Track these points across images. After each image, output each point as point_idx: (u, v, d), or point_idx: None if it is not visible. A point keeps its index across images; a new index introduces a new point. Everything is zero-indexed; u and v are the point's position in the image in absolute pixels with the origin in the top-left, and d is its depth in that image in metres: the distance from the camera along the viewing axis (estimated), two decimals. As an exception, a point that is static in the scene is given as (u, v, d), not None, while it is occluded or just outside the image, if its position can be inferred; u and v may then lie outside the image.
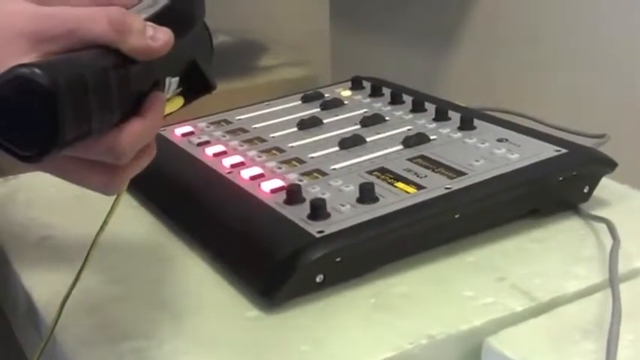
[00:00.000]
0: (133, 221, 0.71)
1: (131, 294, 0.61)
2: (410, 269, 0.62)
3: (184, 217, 0.68)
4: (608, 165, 0.69)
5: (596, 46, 1.09)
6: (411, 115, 0.80)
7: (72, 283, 0.53)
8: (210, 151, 0.75)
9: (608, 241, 0.63)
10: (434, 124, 0.77)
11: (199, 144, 0.78)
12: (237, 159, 0.73)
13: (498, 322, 0.55)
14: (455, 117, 0.78)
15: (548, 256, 0.63)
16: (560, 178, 0.67)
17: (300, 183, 0.67)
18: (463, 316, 0.56)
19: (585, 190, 0.69)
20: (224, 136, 0.79)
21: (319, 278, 0.58)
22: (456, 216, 0.63)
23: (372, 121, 0.79)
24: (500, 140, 0.72)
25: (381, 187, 0.64)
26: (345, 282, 0.60)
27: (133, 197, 0.75)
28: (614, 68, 1.07)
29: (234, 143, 0.77)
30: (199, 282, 0.62)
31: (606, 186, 0.72)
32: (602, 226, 0.66)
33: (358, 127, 0.78)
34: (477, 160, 0.68)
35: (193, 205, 0.68)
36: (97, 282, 0.62)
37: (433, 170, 0.67)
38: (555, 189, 0.67)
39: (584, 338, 0.52)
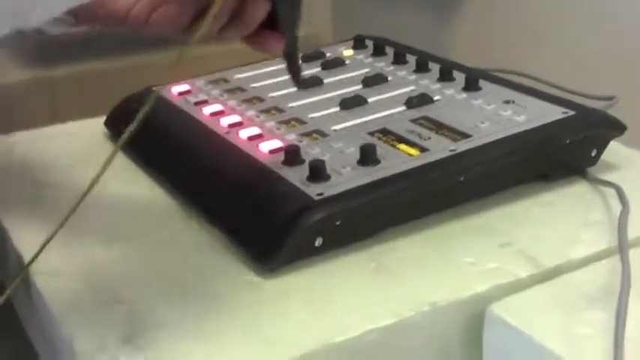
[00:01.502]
0: (130, 182, 0.69)
1: (126, 256, 0.59)
2: (412, 233, 0.60)
3: (181, 178, 0.66)
4: (617, 128, 0.67)
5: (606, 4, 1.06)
6: (414, 76, 0.78)
7: (56, 228, 0.51)
8: (207, 110, 0.73)
9: (616, 207, 0.62)
10: (438, 85, 0.75)
11: (197, 103, 0.75)
12: (235, 119, 0.71)
13: (502, 288, 0.53)
14: (460, 77, 0.76)
15: (555, 221, 0.61)
16: (568, 141, 0.65)
17: (299, 144, 0.65)
18: (466, 283, 0.54)
19: (593, 154, 0.67)
20: (222, 95, 0.77)
21: (318, 242, 0.56)
22: (461, 179, 0.61)
23: (374, 81, 0.76)
24: (506, 102, 0.70)
25: (382, 148, 0.62)
26: (345, 246, 0.58)
27: (130, 157, 0.73)
28: (619, 26, 1.04)
29: (232, 102, 0.75)
30: (195, 245, 0.60)
31: (614, 149, 0.69)
32: (610, 191, 0.64)
33: (360, 87, 0.76)
34: (482, 122, 0.66)
35: (190, 167, 0.66)
36: (91, 242, 0.60)
37: (436, 132, 0.65)
38: (563, 152, 0.65)
39: (590, 306, 0.51)
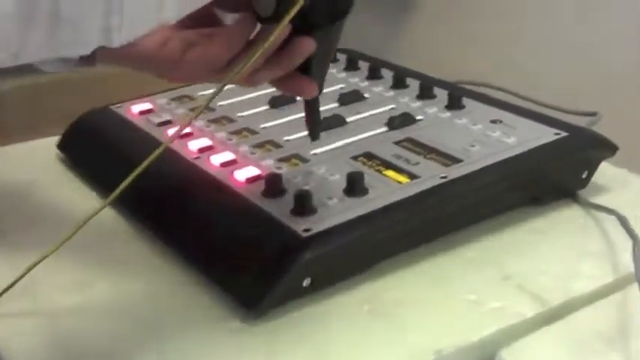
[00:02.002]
0: (96, 217, 0.63)
1: (91, 304, 0.53)
2: (403, 268, 0.56)
3: (148, 211, 0.61)
4: (609, 149, 0.64)
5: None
6: (392, 92, 0.74)
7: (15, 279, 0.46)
8: (172, 131, 0.68)
9: (613, 234, 0.59)
10: (418, 103, 0.71)
11: (160, 124, 0.70)
12: (204, 142, 0.65)
13: (509, 331, 0.50)
14: (440, 94, 0.72)
15: (551, 251, 0.58)
16: (562, 165, 0.61)
17: (278, 171, 0.60)
18: (470, 325, 0.50)
19: (584, 176, 0.64)
20: (188, 115, 0.71)
21: (306, 282, 0.52)
22: (454, 208, 0.57)
23: (350, 98, 0.72)
24: (493, 122, 0.66)
25: (369, 175, 0.58)
26: (333, 285, 0.53)
27: (88, 184, 0.67)
28: (587, 34, 1.02)
29: (200, 123, 0.69)
30: (169, 288, 0.54)
31: (602, 170, 0.66)
32: (604, 216, 0.61)
33: (336, 105, 0.71)
34: (472, 145, 0.62)
35: (157, 198, 0.61)
36: (51, 288, 0.54)
37: (424, 156, 0.61)
38: (555, 175, 0.62)
39: (607, 348, 0.47)
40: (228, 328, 0.50)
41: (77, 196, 0.66)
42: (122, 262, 0.57)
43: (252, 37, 0.48)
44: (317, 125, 0.56)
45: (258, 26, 0.48)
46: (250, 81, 0.48)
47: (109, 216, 0.62)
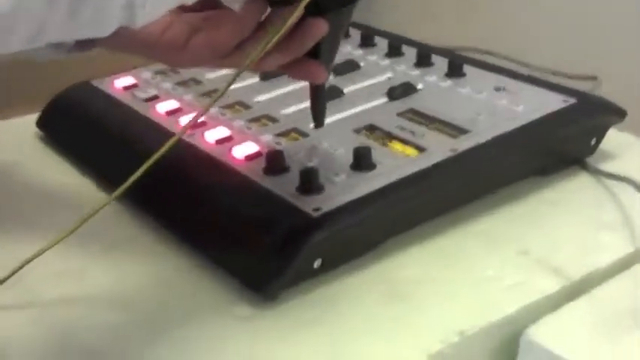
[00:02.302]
0: (82, 198, 0.60)
1: (89, 294, 0.50)
2: (415, 245, 0.53)
3: (145, 195, 0.57)
4: (618, 114, 0.62)
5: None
6: (387, 61, 0.70)
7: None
8: (161, 107, 0.64)
9: (627, 202, 0.57)
10: (417, 71, 0.68)
11: (147, 99, 0.66)
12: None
13: (533, 308, 0.47)
14: (438, 62, 0.69)
15: (566, 222, 0.56)
16: (573, 133, 0.59)
17: (279, 147, 0.57)
18: (492, 303, 0.48)
19: (592, 143, 0.62)
20: (175, 89, 0.68)
21: (317, 263, 0.49)
22: (465, 181, 0.55)
23: (345, 68, 0.69)
24: (497, 89, 0.63)
25: (375, 149, 0.55)
26: (344, 265, 0.51)
27: (74, 165, 0.64)
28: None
29: (189, 97, 0.66)
30: (172, 275, 0.51)
31: (607, 135, 0.64)
32: (614, 183, 0.59)
33: (331, 76, 0.68)
34: (479, 114, 0.59)
35: (153, 180, 0.57)
36: (45, 278, 0.50)
37: (428, 127, 0.58)
38: (565, 144, 0.60)
39: (635, 324, 0.45)
40: (237, 315, 0.47)
41: (60, 175, 0.63)
42: (120, 249, 0.53)
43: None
44: (322, 111, 0.54)
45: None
46: (260, 66, 0.46)
47: (104, 201, 0.59)
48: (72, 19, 0.35)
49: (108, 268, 0.52)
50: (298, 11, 0.42)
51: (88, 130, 0.66)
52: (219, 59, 0.45)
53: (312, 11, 0.44)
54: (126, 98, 0.67)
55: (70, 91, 0.69)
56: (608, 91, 0.69)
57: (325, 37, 0.46)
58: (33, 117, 0.70)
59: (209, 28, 0.44)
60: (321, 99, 0.53)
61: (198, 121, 0.60)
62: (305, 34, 0.45)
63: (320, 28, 0.45)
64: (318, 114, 0.53)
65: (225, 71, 0.70)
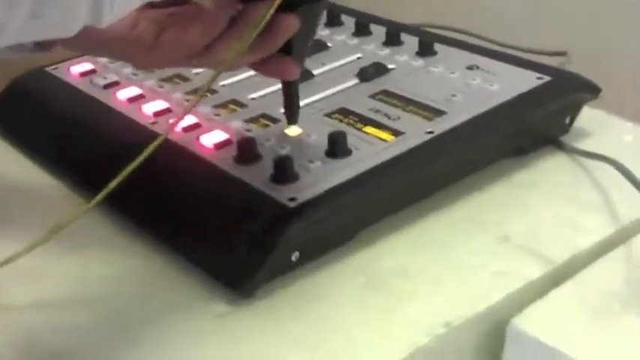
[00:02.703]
0: (43, 196, 0.57)
1: (55, 295, 0.47)
2: (394, 233, 0.51)
3: (104, 186, 0.54)
4: (593, 91, 0.61)
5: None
6: (356, 40, 0.68)
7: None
8: (122, 94, 0.61)
9: (605, 181, 0.56)
10: (386, 50, 0.66)
11: (106, 86, 0.63)
12: (160, 105, 0.59)
13: (518, 295, 0.46)
14: (407, 40, 0.67)
15: (545, 204, 0.54)
16: (550, 111, 0.58)
17: (249, 134, 0.54)
18: (476, 292, 0.46)
19: (567, 121, 0.61)
20: (135, 75, 0.65)
21: (295, 256, 0.47)
22: (444, 165, 0.53)
23: (313, 49, 0.66)
24: (470, 68, 0.62)
25: (350, 134, 0.53)
26: (322, 256, 0.49)
27: (30, 158, 0.60)
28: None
29: (151, 83, 0.63)
30: (142, 273, 0.49)
31: (580, 113, 0.63)
32: (591, 162, 0.58)
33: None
34: (454, 95, 0.58)
35: (114, 171, 0.54)
36: (6, 279, 0.48)
37: (404, 109, 0.57)
38: (542, 123, 0.59)
39: (625, 310, 0.44)
40: (213, 313, 0.45)
41: (17, 169, 0.60)
42: (87, 247, 0.51)
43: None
44: (296, 108, 0.52)
45: None
46: (231, 65, 0.43)
47: (66, 195, 0.56)
48: (34, 20, 0.33)
49: (76, 268, 0.49)
50: (276, 5, 0.40)
51: (44, 119, 0.62)
52: (190, 59, 0.43)
53: (284, 6, 0.42)
54: (84, 85, 0.64)
55: (24, 79, 0.66)
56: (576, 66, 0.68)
57: (297, 33, 0.44)
58: (-15, 107, 0.66)
59: (177, 27, 0.41)
60: (294, 95, 0.52)
61: (159, 109, 0.58)
62: (276, 30, 0.43)
63: (291, 23, 0.43)
64: (292, 111, 0.52)
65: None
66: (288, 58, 0.47)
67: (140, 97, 0.61)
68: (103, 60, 0.67)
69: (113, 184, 0.40)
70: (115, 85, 0.63)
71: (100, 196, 0.41)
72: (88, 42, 0.40)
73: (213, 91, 0.61)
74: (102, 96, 0.62)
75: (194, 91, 0.61)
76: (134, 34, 0.41)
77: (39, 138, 0.62)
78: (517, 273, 0.48)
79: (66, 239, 0.51)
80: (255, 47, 0.42)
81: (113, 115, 0.59)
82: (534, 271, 0.48)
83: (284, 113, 0.53)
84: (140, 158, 0.40)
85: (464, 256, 0.49)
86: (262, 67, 0.47)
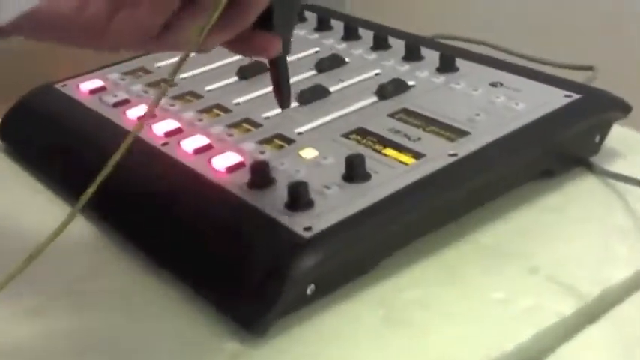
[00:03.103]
0: (45, 211, 0.54)
1: (52, 335, 0.45)
2: (414, 262, 0.49)
3: (115, 214, 0.52)
4: (623, 110, 0.58)
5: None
6: (374, 55, 0.66)
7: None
8: (132, 113, 0.59)
9: (638, 205, 0.53)
10: (406, 66, 0.63)
11: (116, 104, 0.61)
12: (171, 124, 0.57)
13: (548, 334, 0.43)
14: (428, 55, 0.64)
15: (575, 232, 0.51)
16: (579, 131, 0.55)
17: (263, 156, 0.52)
18: (503, 330, 0.43)
19: (596, 141, 0.58)
20: (146, 92, 0.62)
21: (310, 290, 0.44)
22: (468, 190, 0.50)
23: (329, 64, 0.64)
24: (493, 85, 0.59)
25: (368, 157, 0.50)
26: (338, 289, 0.46)
27: (41, 181, 0.58)
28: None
29: (162, 101, 0.60)
30: (149, 308, 0.46)
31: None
32: (624, 185, 0.55)
33: (314, 72, 0.63)
34: (477, 114, 0.55)
35: (125, 197, 0.52)
36: (8, 313, 0.45)
37: (425, 129, 0.54)
38: (571, 144, 0.56)
39: (664, 350, 0.41)
40: (226, 353, 0.43)
41: (26, 193, 0.58)
42: (91, 279, 0.48)
43: None
44: (287, 91, 0.48)
45: None
46: (201, 47, 0.39)
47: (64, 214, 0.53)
48: None
49: (74, 304, 0.47)
50: None
51: (52, 140, 0.60)
52: (148, 42, 0.39)
53: None
54: (93, 103, 0.61)
55: (32, 96, 0.64)
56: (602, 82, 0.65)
57: (276, 4, 0.40)
58: (-8, 125, 0.64)
59: (129, 5, 0.37)
60: (283, 76, 0.47)
61: (170, 129, 0.56)
62: (246, 3, 0.39)
63: None
64: (282, 94, 0.48)
65: (199, 70, 0.65)
66: (266, 34, 0.42)
67: (151, 116, 0.58)
68: (114, 76, 0.65)
69: (90, 191, 0.37)
70: (124, 103, 0.61)
71: (78, 205, 0.38)
72: (32, 28, 0.37)
73: (226, 110, 0.58)
74: (111, 114, 0.59)
75: (208, 110, 0.59)
76: (84, 18, 0.37)
77: (45, 156, 0.60)
78: (547, 308, 0.45)
79: (67, 273, 0.49)
80: (224, 25, 0.38)
81: (122, 135, 0.57)
82: (566, 306, 0.45)
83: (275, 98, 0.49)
84: (111, 163, 0.37)
85: (490, 289, 0.46)
86: (238, 46, 0.42)
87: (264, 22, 0.41)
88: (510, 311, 0.45)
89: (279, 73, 0.47)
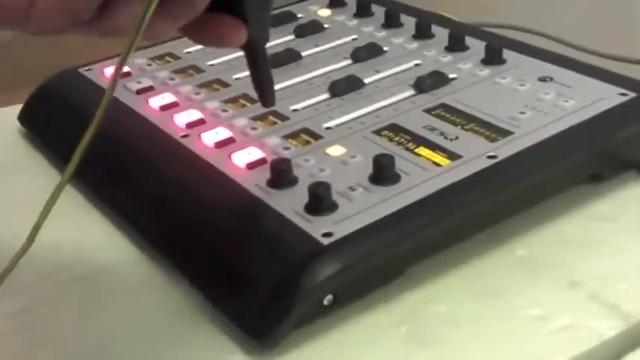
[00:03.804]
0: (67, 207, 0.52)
1: (58, 336, 0.42)
2: (443, 273, 0.45)
3: (127, 206, 0.50)
4: (683, 110, 0.53)
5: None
6: (415, 44, 0.62)
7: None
8: (155, 102, 0.56)
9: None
10: (449, 57, 0.59)
11: (140, 91, 0.58)
12: (194, 114, 0.54)
13: (586, 357, 0.39)
14: (473, 45, 0.60)
15: (624, 244, 0.47)
16: (633, 133, 0.50)
17: (286, 152, 0.49)
18: (538, 351, 0.39)
19: (651, 144, 0.53)
20: (172, 79, 0.60)
21: (327, 300, 0.41)
22: (506, 196, 0.46)
23: (366, 53, 0.60)
24: (542, 79, 0.54)
25: (399, 156, 0.46)
26: (359, 300, 0.43)
27: (56, 166, 0.56)
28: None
29: (187, 89, 0.58)
30: (155, 313, 0.43)
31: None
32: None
33: (349, 62, 0.60)
34: (523, 112, 0.51)
35: (139, 192, 0.49)
36: (8, 314, 0.43)
37: (463, 127, 0.50)
38: (623, 146, 0.51)
39: None
40: (233, 364, 0.40)
41: (44, 180, 0.55)
42: (95, 281, 0.46)
43: None
44: (268, 86, 0.43)
45: None
46: (152, 35, 0.35)
47: (83, 205, 0.51)
48: None
49: (77, 306, 0.44)
50: None
51: (75, 126, 0.57)
52: (80, 26, 0.35)
53: None
54: (117, 89, 0.59)
55: (56, 80, 0.62)
56: None
57: None
58: (15, 109, 0.62)
59: None
60: (263, 68, 0.41)
61: (192, 119, 0.53)
62: None
63: None
64: (263, 90, 0.42)
65: (227, 57, 0.62)
66: (227, 19, 0.37)
67: (173, 105, 0.55)
68: (141, 62, 0.63)
69: (67, 172, 0.33)
70: (149, 90, 0.58)
71: (67, 174, 0.34)
72: None
73: (253, 100, 0.55)
74: (133, 102, 0.57)
75: (233, 100, 0.56)
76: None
77: (64, 142, 0.58)
78: (588, 329, 0.41)
79: (73, 271, 0.47)
80: (171, 10, 0.34)
81: (142, 124, 0.54)
82: (608, 328, 0.41)
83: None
84: (87, 136, 0.33)
85: (525, 306, 0.42)
86: (197, 33, 0.37)
87: (233, 3, 0.36)
88: (546, 330, 0.41)
89: (257, 64, 0.41)
